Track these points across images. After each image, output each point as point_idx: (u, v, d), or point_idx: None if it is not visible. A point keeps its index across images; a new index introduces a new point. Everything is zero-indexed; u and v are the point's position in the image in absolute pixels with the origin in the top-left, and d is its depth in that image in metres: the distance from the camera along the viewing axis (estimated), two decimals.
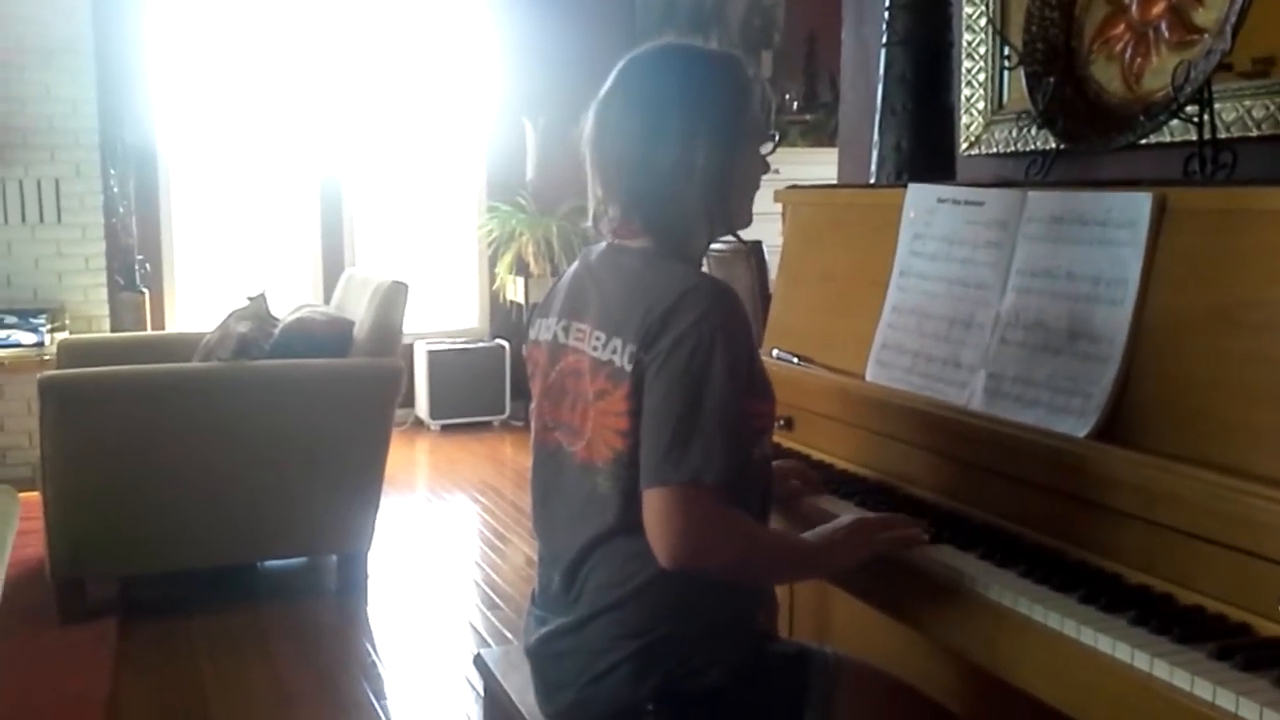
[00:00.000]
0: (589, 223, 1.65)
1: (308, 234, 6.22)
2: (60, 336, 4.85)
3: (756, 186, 1.65)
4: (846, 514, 1.69)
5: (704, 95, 1.56)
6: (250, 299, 3.93)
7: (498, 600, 3.75)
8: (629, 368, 1.48)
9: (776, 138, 1.65)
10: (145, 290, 5.60)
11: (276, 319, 3.87)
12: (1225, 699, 1.15)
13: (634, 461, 1.49)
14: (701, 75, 1.58)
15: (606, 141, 1.58)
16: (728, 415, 1.45)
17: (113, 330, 5.40)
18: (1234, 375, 1.40)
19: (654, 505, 1.45)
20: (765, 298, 3.35)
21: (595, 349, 1.54)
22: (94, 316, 5.42)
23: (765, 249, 3.55)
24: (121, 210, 5.55)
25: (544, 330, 1.68)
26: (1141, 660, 1.24)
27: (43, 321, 5.11)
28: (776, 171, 1.80)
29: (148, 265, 5.67)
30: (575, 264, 1.70)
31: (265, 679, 3.13)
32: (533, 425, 1.70)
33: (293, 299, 4.80)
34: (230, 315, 3.90)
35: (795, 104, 6.88)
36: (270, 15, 5.96)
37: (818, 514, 1.74)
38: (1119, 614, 1.33)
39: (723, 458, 1.43)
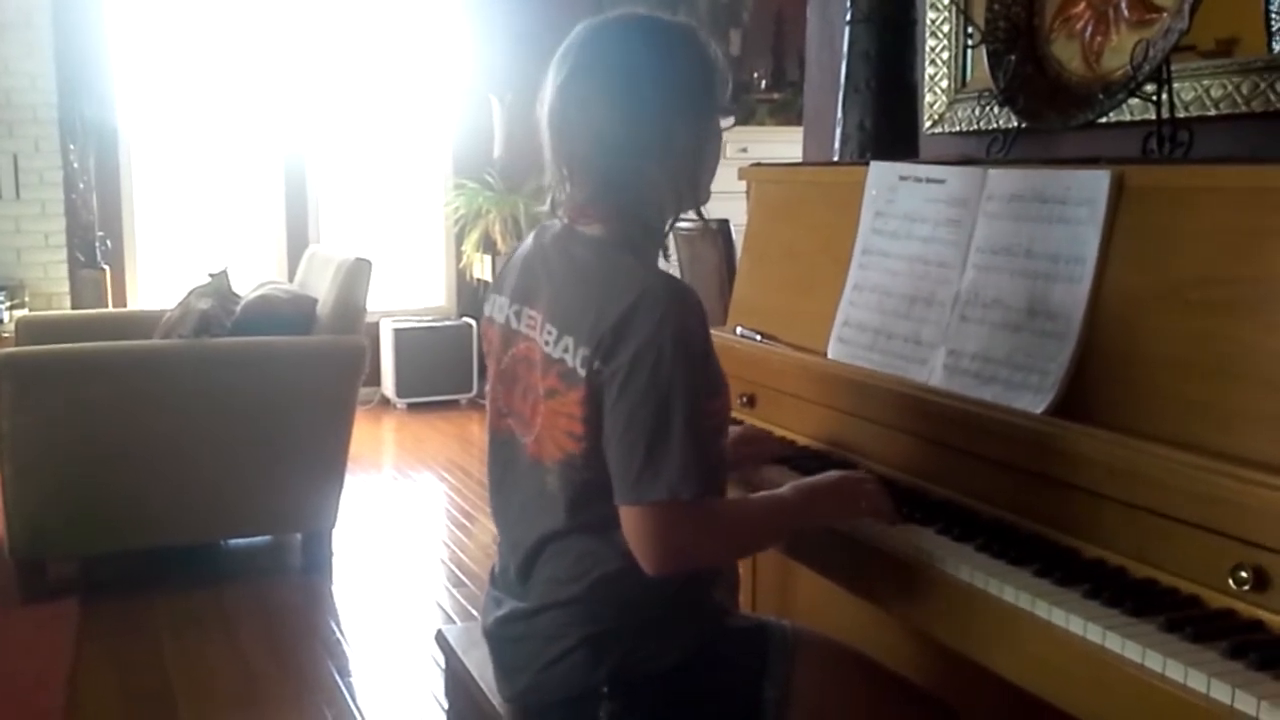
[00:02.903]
0: (546, 206, 1.61)
1: (271, 211, 6.16)
2: (20, 314, 4.80)
3: (718, 161, 1.63)
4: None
5: (678, 69, 1.52)
6: (212, 276, 3.89)
7: (463, 578, 3.75)
8: (582, 372, 1.44)
9: (736, 112, 1.63)
10: (106, 267, 5.54)
11: (238, 296, 3.84)
12: (1175, 670, 1.17)
13: (587, 465, 1.47)
14: (672, 48, 1.53)
15: (573, 120, 1.51)
16: (696, 424, 1.42)
17: (73, 307, 5.35)
18: (1189, 352, 1.42)
19: (633, 522, 1.43)
20: (732, 275, 3.35)
21: (546, 343, 1.50)
22: (54, 294, 5.37)
23: (732, 227, 3.55)
24: (82, 186, 5.49)
25: (497, 309, 1.65)
26: (1094, 633, 1.25)
27: (2, 299, 5.05)
28: (744, 150, 1.80)
29: (108, 242, 5.61)
30: (529, 241, 1.66)
31: (228, 658, 3.12)
32: (488, 407, 1.69)
33: (256, 276, 4.76)
34: (191, 292, 3.87)
35: (763, 83, 6.87)
36: None
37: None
38: (1073, 587, 1.34)
39: (697, 468, 1.42)
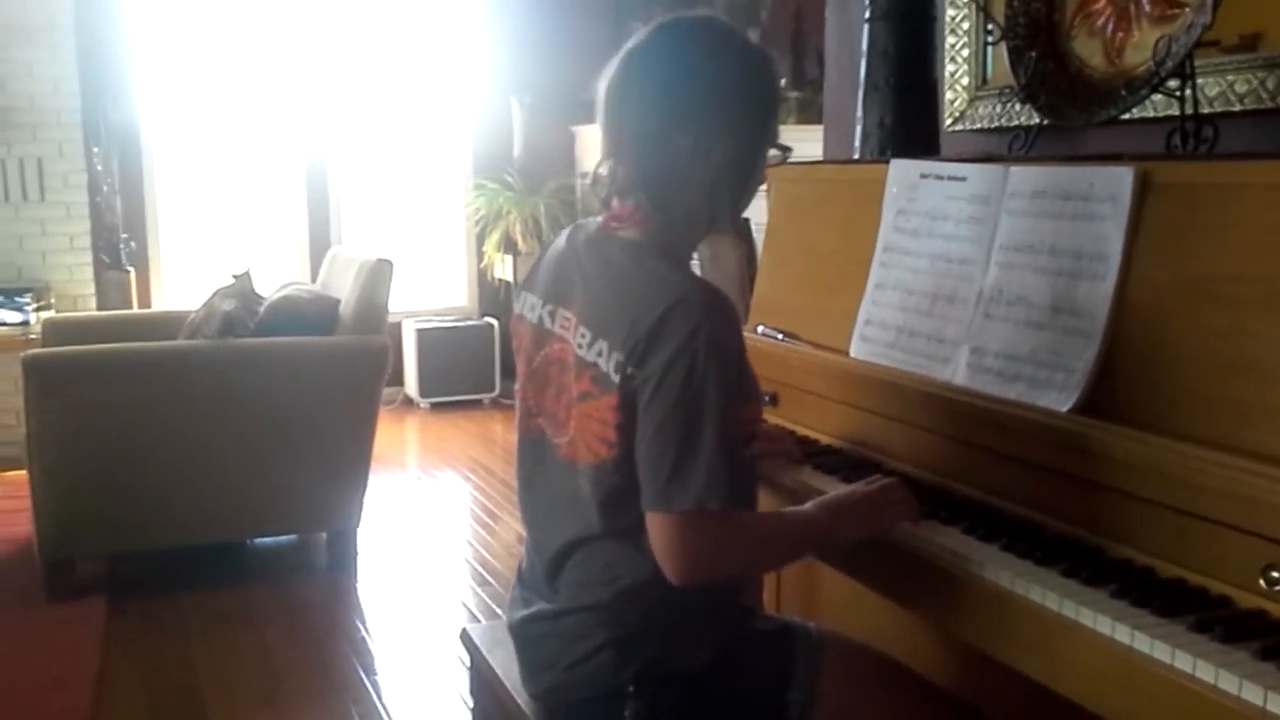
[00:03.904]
0: (588, 180, 1.61)
1: (294, 212, 6.19)
2: (45, 315, 4.84)
3: (756, 192, 1.61)
4: (840, 487, 1.69)
5: (742, 84, 1.51)
6: (235, 277, 3.92)
7: (488, 577, 3.76)
8: (616, 379, 1.44)
9: (790, 151, 1.59)
10: (130, 268, 5.58)
11: (262, 297, 3.86)
12: (1205, 671, 1.16)
13: (618, 470, 1.46)
14: (744, 63, 1.52)
15: (629, 101, 1.50)
16: (727, 434, 1.42)
17: (98, 309, 5.39)
18: (1214, 349, 1.41)
19: (659, 529, 1.43)
20: (753, 274, 3.34)
21: (580, 346, 1.50)
22: (79, 295, 5.41)
23: (754, 226, 3.55)
24: (105, 188, 5.53)
25: (529, 308, 1.64)
26: (1123, 633, 1.25)
27: (28, 300, 5.09)
28: None
29: (133, 243, 5.65)
30: (561, 240, 1.65)
31: (255, 656, 3.14)
32: (517, 406, 1.68)
33: (279, 277, 4.78)
34: (215, 293, 3.89)
35: (782, 81, 6.85)
36: None
37: (804, 490, 1.74)
38: (1101, 587, 1.34)
39: (726, 479, 1.41)
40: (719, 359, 1.41)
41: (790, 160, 1.63)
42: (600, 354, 1.46)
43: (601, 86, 1.52)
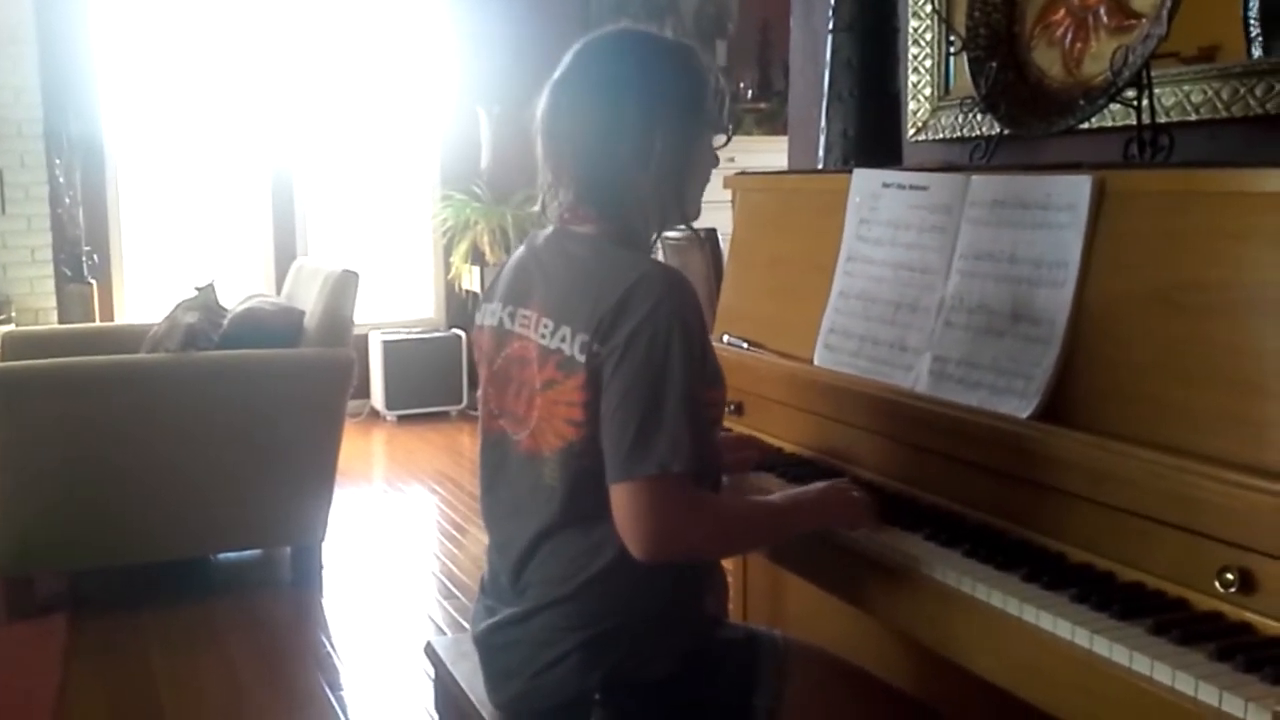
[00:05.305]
0: (537, 208, 1.64)
1: (259, 224, 6.15)
2: (6, 329, 4.77)
3: (708, 178, 1.65)
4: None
5: (663, 81, 1.55)
6: (199, 289, 3.88)
7: (454, 590, 3.74)
8: (581, 358, 1.46)
9: (731, 131, 1.65)
10: (93, 281, 5.52)
11: (225, 309, 3.83)
12: (1162, 673, 1.17)
13: (585, 452, 1.48)
14: (660, 61, 1.57)
15: (561, 124, 1.56)
16: (690, 403, 1.44)
17: (60, 322, 5.34)
18: (1172, 356, 1.42)
19: (623, 500, 1.44)
20: (720, 284, 3.35)
21: (543, 336, 1.52)
22: (41, 309, 5.35)
23: (720, 236, 3.56)
24: (68, 200, 5.47)
25: (489, 315, 1.67)
26: (1081, 637, 1.26)
27: None
28: (732, 160, 1.81)
29: (95, 256, 5.59)
30: (521, 249, 1.69)
31: (218, 673, 3.11)
32: (480, 412, 1.70)
33: (243, 289, 4.74)
34: (178, 306, 3.86)
35: (750, 92, 6.88)
36: (220, 2, 5.88)
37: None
38: (1060, 592, 1.35)
39: (688, 445, 1.43)
40: (682, 331, 1.44)
41: (755, 170, 1.66)
42: (564, 340, 1.49)
43: (536, 116, 1.58)
